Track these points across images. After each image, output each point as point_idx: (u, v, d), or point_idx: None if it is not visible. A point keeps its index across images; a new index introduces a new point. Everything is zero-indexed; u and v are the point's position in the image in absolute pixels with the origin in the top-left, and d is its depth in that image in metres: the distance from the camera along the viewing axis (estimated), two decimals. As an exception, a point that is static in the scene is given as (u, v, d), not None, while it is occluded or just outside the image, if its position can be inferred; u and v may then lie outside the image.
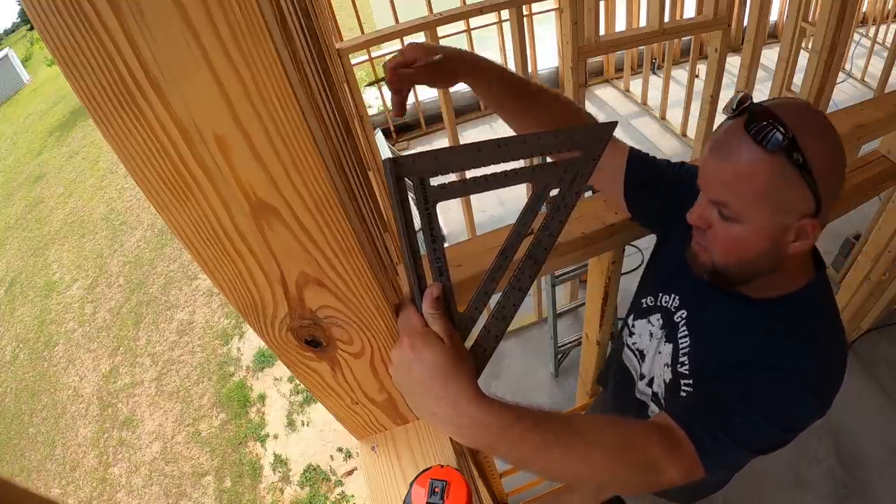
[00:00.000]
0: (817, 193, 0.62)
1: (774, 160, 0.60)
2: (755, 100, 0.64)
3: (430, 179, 0.52)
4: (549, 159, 0.63)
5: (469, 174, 0.53)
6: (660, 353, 0.88)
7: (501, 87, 0.80)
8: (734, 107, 0.64)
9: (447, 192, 0.52)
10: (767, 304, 0.74)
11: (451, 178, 0.55)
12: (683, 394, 0.83)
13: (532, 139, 0.53)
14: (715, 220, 0.68)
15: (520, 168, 0.54)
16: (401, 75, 0.72)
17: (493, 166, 0.53)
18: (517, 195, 2.93)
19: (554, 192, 0.57)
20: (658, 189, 0.88)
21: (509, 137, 0.53)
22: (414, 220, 0.54)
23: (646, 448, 0.60)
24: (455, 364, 0.52)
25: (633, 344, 0.97)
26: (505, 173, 0.53)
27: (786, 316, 0.72)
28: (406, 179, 0.51)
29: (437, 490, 0.59)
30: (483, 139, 0.53)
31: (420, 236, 0.55)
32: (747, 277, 0.72)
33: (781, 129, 0.59)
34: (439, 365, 0.51)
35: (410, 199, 0.53)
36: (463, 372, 0.53)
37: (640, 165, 0.88)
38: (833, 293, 0.77)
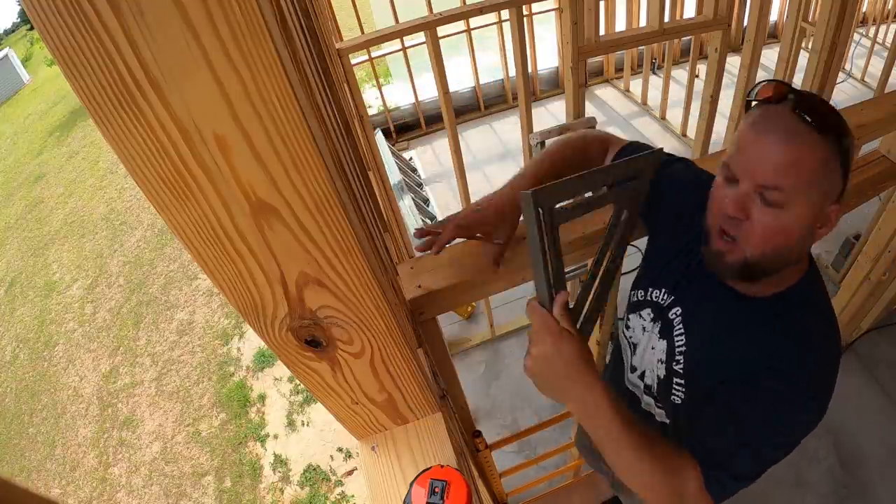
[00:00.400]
0: (846, 178, 0.64)
1: (826, 143, 0.61)
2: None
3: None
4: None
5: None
6: (653, 348, 0.88)
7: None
8: (770, 94, 0.65)
9: (565, 215, 0.70)
10: (765, 301, 0.74)
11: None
12: (675, 395, 0.83)
13: (612, 168, 0.76)
14: (755, 209, 0.66)
15: (607, 192, 0.76)
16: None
17: (587, 193, 0.76)
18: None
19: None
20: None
21: (595, 169, 0.75)
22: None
23: (687, 481, 0.67)
24: (584, 352, 0.67)
25: (630, 337, 0.98)
26: (599, 196, 0.75)
27: (784, 314, 0.72)
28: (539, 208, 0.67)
29: (437, 490, 0.59)
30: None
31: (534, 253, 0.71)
32: (777, 268, 0.70)
33: (833, 113, 0.61)
34: (575, 354, 0.66)
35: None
36: (590, 359, 0.67)
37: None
38: (824, 284, 0.77)
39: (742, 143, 0.67)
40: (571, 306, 0.71)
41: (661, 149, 0.71)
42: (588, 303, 0.74)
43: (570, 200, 0.73)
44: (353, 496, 2.64)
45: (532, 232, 0.66)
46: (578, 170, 0.90)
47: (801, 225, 0.65)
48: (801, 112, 0.61)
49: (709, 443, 0.71)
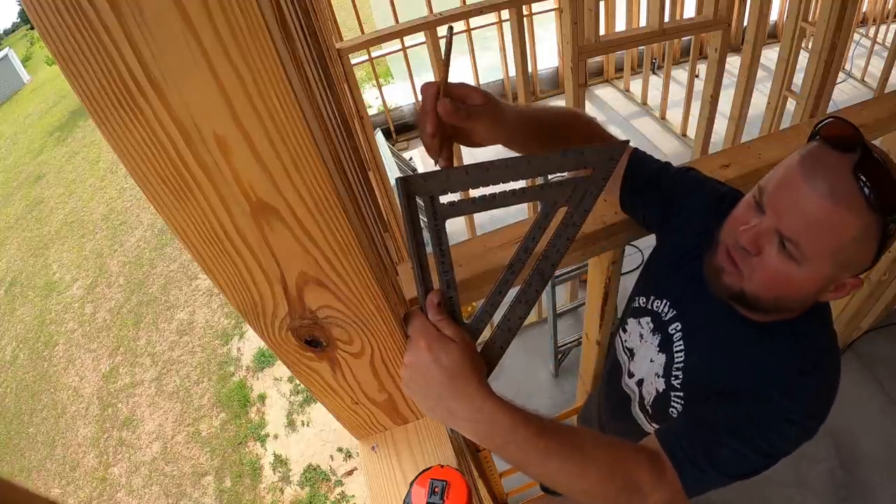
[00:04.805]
0: (878, 259, 0.59)
1: (870, 218, 0.55)
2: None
3: (440, 197, 0.53)
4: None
5: (477, 192, 0.55)
6: (652, 361, 0.87)
7: (523, 127, 0.71)
8: (837, 135, 0.58)
9: (456, 209, 0.54)
10: (768, 327, 0.72)
11: (459, 195, 0.56)
12: (673, 407, 0.83)
13: (540, 159, 0.53)
14: (769, 251, 0.61)
15: (528, 187, 0.54)
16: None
17: (501, 185, 0.54)
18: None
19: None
20: (651, 193, 0.87)
21: (518, 157, 0.53)
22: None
23: (635, 471, 0.61)
24: (471, 362, 0.55)
25: (625, 342, 0.97)
26: (513, 191, 0.54)
27: (785, 342, 0.70)
28: (416, 198, 0.53)
29: (437, 490, 0.59)
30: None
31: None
32: (775, 310, 0.68)
33: (893, 191, 0.54)
34: (457, 364, 0.53)
35: (421, 216, 0.54)
36: (478, 370, 0.55)
37: (640, 167, 0.87)
38: (831, 314, 0.73)
39: (784, 177, 0.60)
40: (468, 321, 0.59)
41: (627, 140, 0.54)
42: (501, 318, 0.62)
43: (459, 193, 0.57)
44: (353, 496, 2.64)
45: (406, 225, 0.53)
46: (557, 138, 0.75)
47: (811, 284, 0.61)
48: (861, 175, 0.54)
49: (693, 427, 0.68)
